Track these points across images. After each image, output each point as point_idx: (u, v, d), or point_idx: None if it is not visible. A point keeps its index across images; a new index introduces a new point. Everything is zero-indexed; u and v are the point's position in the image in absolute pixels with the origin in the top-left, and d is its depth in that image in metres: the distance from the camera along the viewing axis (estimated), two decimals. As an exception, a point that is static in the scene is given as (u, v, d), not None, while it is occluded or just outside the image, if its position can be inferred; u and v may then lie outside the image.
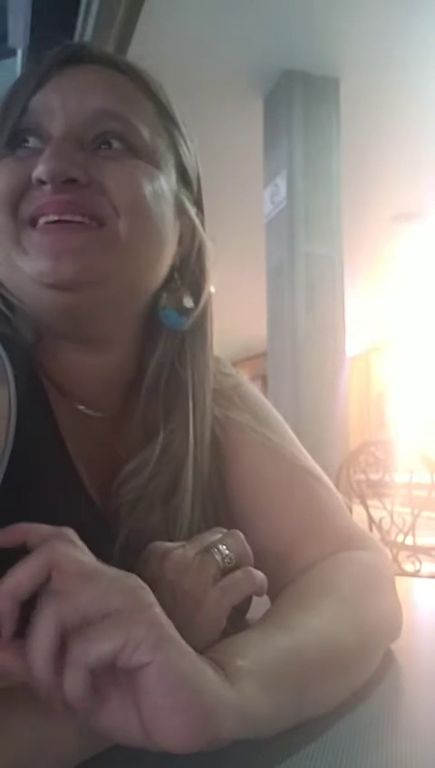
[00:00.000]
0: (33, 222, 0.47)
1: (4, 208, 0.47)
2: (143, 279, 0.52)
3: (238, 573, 0.43)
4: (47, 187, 0.46)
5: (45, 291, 0.47)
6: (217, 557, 0.43)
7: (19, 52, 3.72)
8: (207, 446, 0.58)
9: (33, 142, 0.49)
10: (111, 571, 0.34)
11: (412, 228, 4.77)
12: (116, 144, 0.49)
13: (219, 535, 0.45)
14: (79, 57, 0.51)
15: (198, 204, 0.59)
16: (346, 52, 2.89)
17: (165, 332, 0.57)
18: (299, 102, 3.00)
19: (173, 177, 0.54)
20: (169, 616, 0.35)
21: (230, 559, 0.43)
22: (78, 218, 0.47)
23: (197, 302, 0.57)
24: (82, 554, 0.35)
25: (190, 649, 0.33)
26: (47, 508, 0.44)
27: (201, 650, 0.36)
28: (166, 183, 0.52)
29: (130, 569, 0.40)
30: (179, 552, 0.43)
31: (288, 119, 3.01)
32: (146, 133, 0.51)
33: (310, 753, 0.36)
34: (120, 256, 0.48)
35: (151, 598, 0.34)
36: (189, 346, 0.58)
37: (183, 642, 0.33)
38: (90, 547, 0.46)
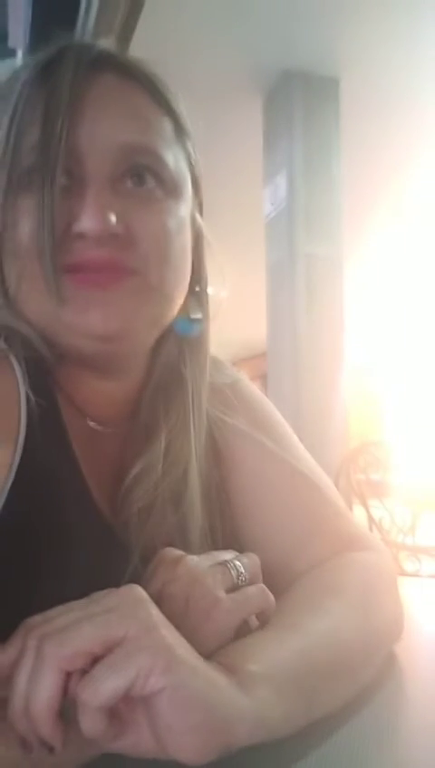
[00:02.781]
0: (69, 269, 0.47)
1: (44, 256, 0.46)
2: (172, 313, 0.54)
3: (252, 588, 0.43)
4: (88, 241, 0.46)
5: (86, 340, 0.48)
6: (233, 572, 0.43)
7: (19, 53, 3.72)
8: (204, 443, 0.58)
9: (61, 180, 0.47)
10: (105, 598, 0.34)
11: (413, 228, 4.77)
12: (148, 180, 0.50)
13: (234, 554, 0.46)
14: (96, 64, 0.50)
15: (201, 203, 0.59)
16: (346, 52, 2.90)
17: (172, 337, 0.57)
18: (299, 102, 3.00)
19: (190, 195, 0.55)
20: (179, 622, 0.36)
21: (245, 578, 0.43)
22: (114, 271, 0.48)
23: (202, 305, 0.58)
24: (59, 611, 0.34)
25: (201, 663, 0.33)
26: (57, 526, 0.45)
27: (209, 656, 0.36)
28: (185, 209, 0.53)
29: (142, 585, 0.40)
30: (194, 559, 0.43)
31: (288, 118, 3.02)
32: (171, 160, 0.51)
33: (314, 757, 0.36)
34: (156, 303, 0.51)
35: (154, 612, 0.34)
36: (190, 344, 0.58)
37: (193, 657, 0.33)
38: (102, 565, 0.46)
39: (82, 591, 0.35)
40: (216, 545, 0.56)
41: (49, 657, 0.30)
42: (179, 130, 0.54)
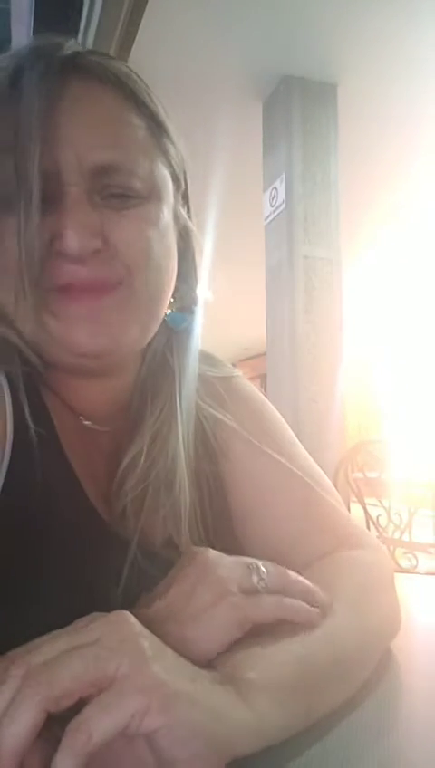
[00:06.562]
0: (56, 289, 0.48)
1: (30, 277, 0.45)
2: (161, 315, 0.54)
3: (268, 597, 0.40)
4: (70, 258, 0.47)
5: (75, 357, 0.49)
6: (254, 576, 0.41)
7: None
8: (193, 434, 0.59)
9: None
10: (93, 626, 0.32)
11: (410, 230, 4.80)
12: (123, 196, 0.50)
13: (262, 561, 0.44)
14: (64, 70, 0.49)
15: (185, 196, 0.58)
16: (344, 58, 2.93)
17: (162, 328, 0.57)
18: (298, 107, 3.04)
19: (171, 195, 0.54)
20: (183, 605, 0.37)
21: (265, 583, 0.41)
22: (99, 288, 0.48)
23: (193, 297, 0.59)
24: (45, 642, 0.32)
25: (198, 686, 0.32)
26: (49, 526, 0.46)
27: (209, 653, 0.37)
28: (167, 210, 0.53)
29: (142, 579, 0.42)
30: (216, 553, 0.43)
31: (287, 123, 3.05)
32: (145, 170, 0.51)
33: (312, 753, 0.36)
34: (144, 310, 0.51)
35: (145, 644, 0.32)
36: (178, 334, 0.59)
37: (188, 682, 0.32)
38: (100, 560, 0.48)
39: (81, 590, 0.35)
40: (207, 536, 0.57)
41: (34, 695, 0.28)
42: (155, 129, 0.53)
